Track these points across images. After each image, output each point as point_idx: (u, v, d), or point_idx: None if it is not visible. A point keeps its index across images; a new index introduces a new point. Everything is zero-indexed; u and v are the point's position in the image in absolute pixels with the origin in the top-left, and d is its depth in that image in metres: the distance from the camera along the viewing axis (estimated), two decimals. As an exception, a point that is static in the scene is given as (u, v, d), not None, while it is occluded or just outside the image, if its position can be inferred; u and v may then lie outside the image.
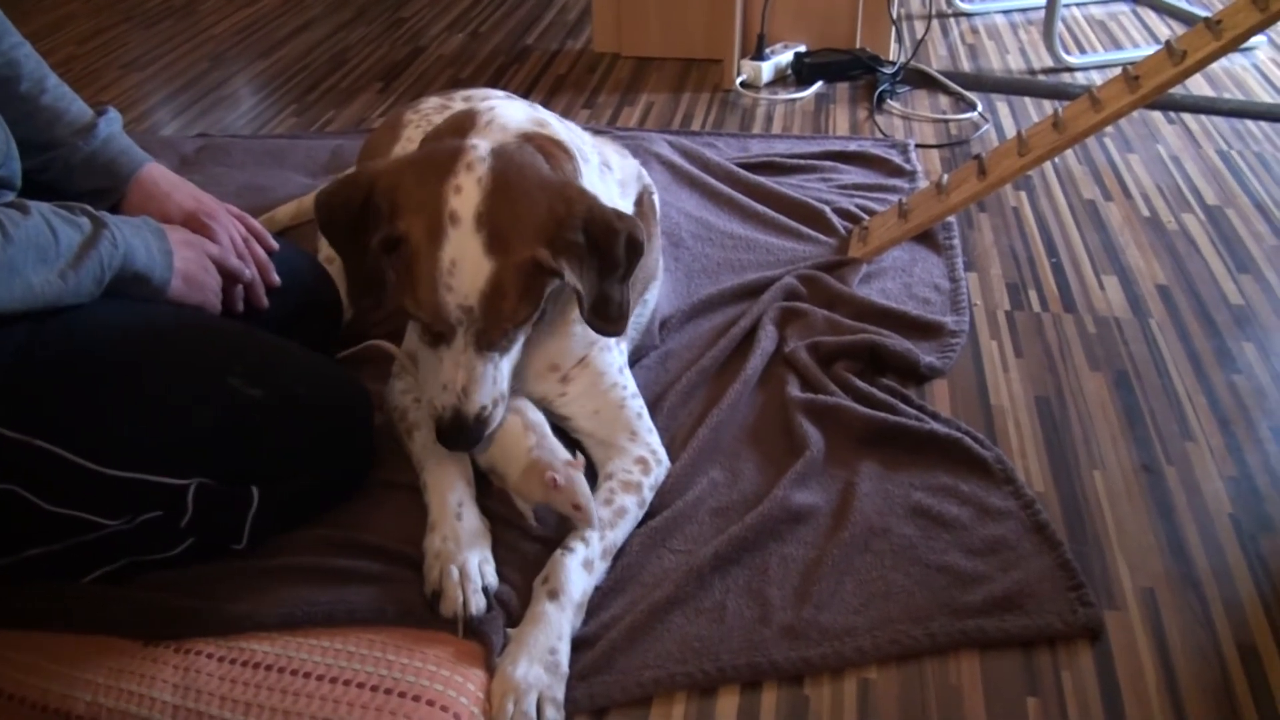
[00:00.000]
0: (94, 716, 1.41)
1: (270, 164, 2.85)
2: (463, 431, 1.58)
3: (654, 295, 2.09)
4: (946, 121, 3.13)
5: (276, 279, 1.81)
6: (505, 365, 1.61)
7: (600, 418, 1.77)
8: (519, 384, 1.72)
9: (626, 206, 1.87)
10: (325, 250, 2.25)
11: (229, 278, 1.72)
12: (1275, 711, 1.42)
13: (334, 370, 1.71)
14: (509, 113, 1.67)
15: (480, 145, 1.54)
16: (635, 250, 1.59)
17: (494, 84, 2.90)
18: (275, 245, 1.86)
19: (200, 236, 1.70)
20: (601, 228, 1.54)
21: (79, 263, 1.45)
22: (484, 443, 1.63)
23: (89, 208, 1.50)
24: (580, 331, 1.74)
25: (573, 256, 1.53)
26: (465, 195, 1.49)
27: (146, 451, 1.47)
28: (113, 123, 1.77)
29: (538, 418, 1.68)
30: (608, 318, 1.61)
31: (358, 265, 1.57)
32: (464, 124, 1.63)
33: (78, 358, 1.47)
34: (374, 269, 1.55)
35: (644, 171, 2.11)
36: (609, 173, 1.88)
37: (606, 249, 1.56)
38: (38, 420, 1.42)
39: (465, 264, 1.49)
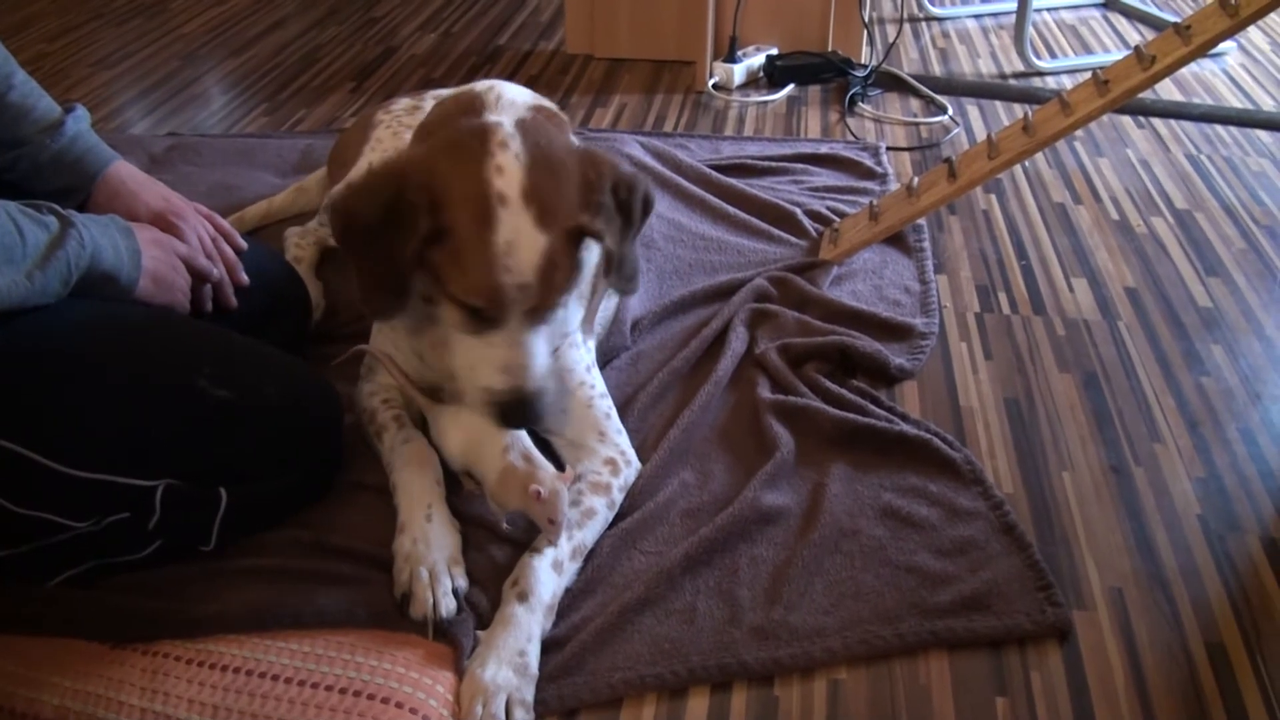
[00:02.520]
0: (61, 719, 1.40)
1: (240, 163, 2.83)
2: (528, 409, 1.55)
3: None
4: (917, 124, 3.14)
5: (245, 279, 1.80)
6: (547, 339, 1.59)
7: (568, 417, 1.76)
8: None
9: None
10: (293, 250, 2.25)
11: (197, 277, 1.71)
12: (1243, 710, 1.43)
13: (303, 371, 1.70)
14: (511, 89, 1.68)
15: (504, 121, 1.53)
16: (648, 206, 1.64)
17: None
18: (244, 245, 1.85)
19: (168, 236, 1.69)
20: (624, 188, 1.57)
21: (46, 263, 1.44)
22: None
23: (56, 207, 1.49)
24: (560, 309, 1.72)
25: (605, 218, 1.54)
26: (508, 174, 1.47)
27: (113, 452, 1.46)
28: (80, 120, 1.76)
29: None
30: (626, 274, 1.64)
31: (382, 270, 1.53)
32: (474, 104, 1.62)
33: (44, 358, 1.45)
34: (402, 271, 1.51)
35: None
36: None
37: (629, 208, 1.59)
38: (3, 421, 1.41)
39: (521, 242, 1.46)
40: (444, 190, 1.47)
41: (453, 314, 1.55)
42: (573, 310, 1.76)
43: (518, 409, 1.55)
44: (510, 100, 1.64)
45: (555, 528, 1.54)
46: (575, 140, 1.78)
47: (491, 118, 1.55)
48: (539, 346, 1.55)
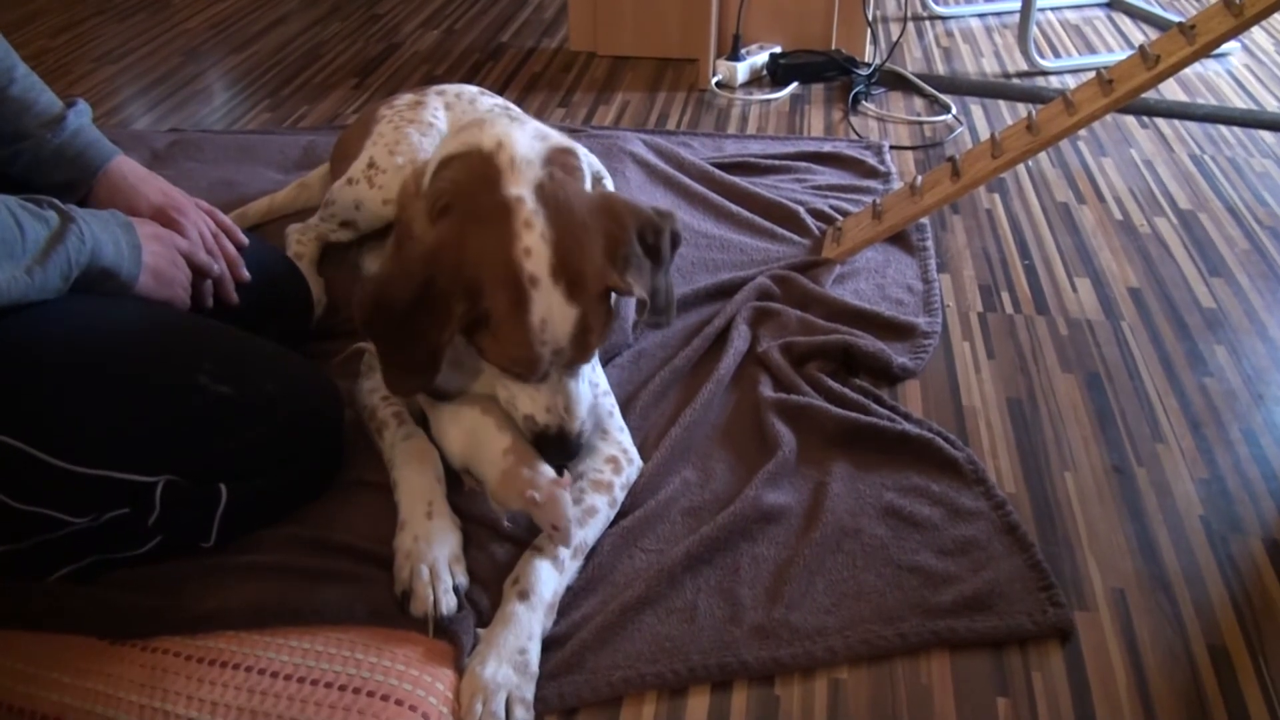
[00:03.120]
0: (59, 715, 1.40)
1: (242, 159, 2.83)
2: (568, 447, 1.64)
3: None
4: (921, 123, 3.14)
5: (246, 275, 1.80)
6: (587, 375, 1.67)
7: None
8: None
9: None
10: (295, 246, 2.24)
11: (198, 273, 1.70)
12: (1245, 712, 1.43)
13: (304, 367, 1.69)
14: (521, 142, 1.62)
15: (525, 196, 1.54)
16: (677, 241, 1.68)
17: (469, 82, 2.88)
18: (245, 241, 1.85)
19: (169, 231, 1.68)
20: (651, 231, 1.61)
21: (46, 259, 1.43)
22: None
23: (56, 201, 1.48)
24: None
25: (633, 268, 1.58)
26: (535, 256, 1.50)
27: (113, 448, 1.46)
28: (82, 115, 1.76)
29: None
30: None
31: (411, 351, 1.56)
32: (488, 172, 1.58)
33: (44, 354, 1.45)
34: (435, 352, 1.55)
35: (593, 157, 2.08)
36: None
37: (656, 250, 1.63)
38: (3, 417, 1.40)
39: (554, 318, 1.52)
40: (476, 278, 1.51)
41: (494, 367, 1.62)
42: None
43: (560, 444, 1.63)
44: (525, 159, 1.59)
45: (560, 533, 1.54)
46: (595, 173, 1.80)
47: (512, 191, 1.54)
48: (581, 391, 1.63)
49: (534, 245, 1.50)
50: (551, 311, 1.51)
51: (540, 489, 1.54)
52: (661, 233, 1.63)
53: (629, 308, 2.11)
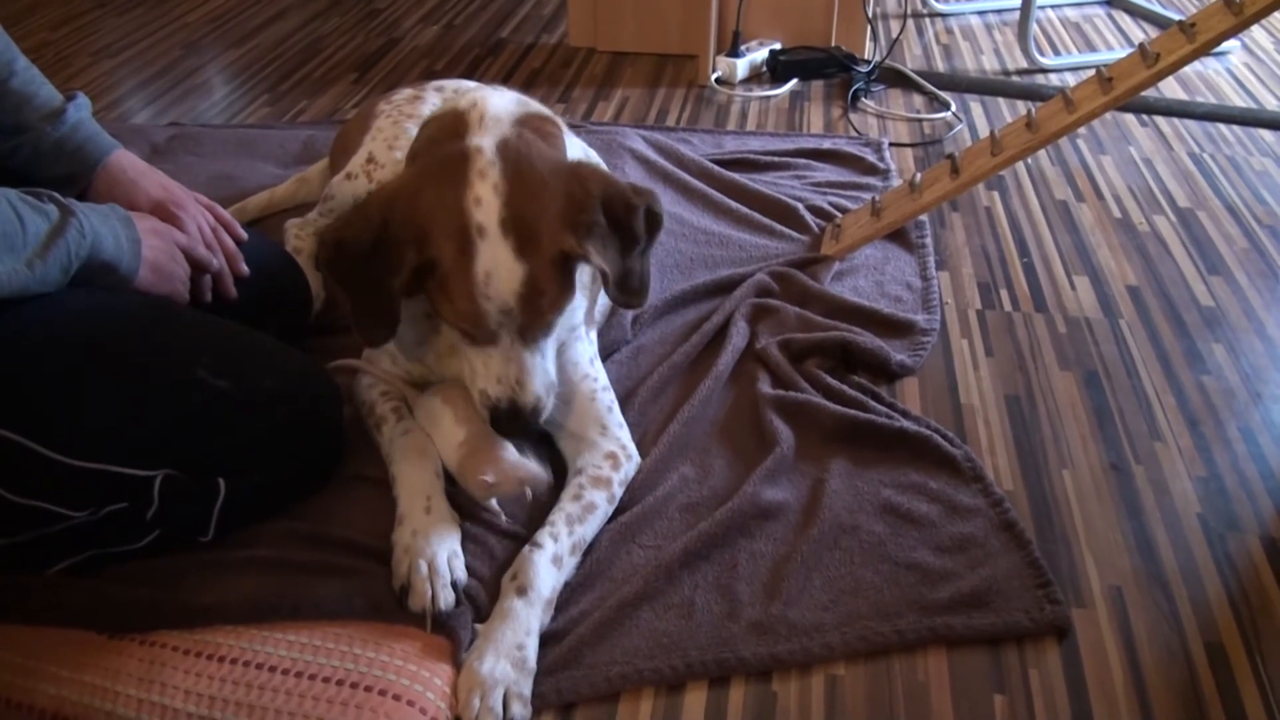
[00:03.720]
0: (57, 710, 1.40)
1: (241, 154, 2.83)
2: (519, 421, 1.60)
3: None
4: (920, 120, 3.14)
5: (245, 269, 1.80)
6: (550, 350, 1.64)
7: (571, 409, 1.76)
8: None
9: None
10: (293, 241, 2.24)
11: (197, 267, 1.70)
12: (1241, 709, 1.43)
13: (302, 362, 1.69)
14: (495, 102, 1.65)
15: (485, 146, 1.53)
16: (655, 222, 1.62)
17: (468, 77, 2.89)
18: (244, 235, 1.85)
19: (168, 226, 1.68)
20: (620, 204, 1.57)
21: (46, 252, 1.43)
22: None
23: (56, 195, 1.49)
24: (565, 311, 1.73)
25: (595, 237, 1.54)
26: (485, 206, 1.49)
27: (112, 442, 1.46)
28: (81, 108, 1.75)
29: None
30: (631, 289, 1.63)
31: (370, 300, 1.57)
32: (457, 126, 1.60)
33: (43, 347, 1.45)
34: (392, 300, 1.55)
35: (593, 152, 2.08)
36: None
37: (627, 225, 1.58)
38: (2, 410, 1.41)
39: (499, 273, 1.50)
40: (426, 225, 1.51)
41: (452, 330, 1.61)
42: (577, 303, 1.75)
43: (512, 418, 1.60)
44: (495, 117, 1.61)
45: (531, 478, 1.58)
46: (578, 145, 1.79)
47: (473, 141, 1.55)
48: (534, 362, 1.59)
49: (485, 195, 1.49)
50: (497, 265, 1.49)
51: (488, 470, 1.55)
52: (634, 209, 1.59)
53: (627, 314, 2.11)
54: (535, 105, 1.72)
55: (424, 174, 1.56)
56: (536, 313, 1.54)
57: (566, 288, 1.58)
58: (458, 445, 1.62)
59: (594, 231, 1.54)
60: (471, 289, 1.50)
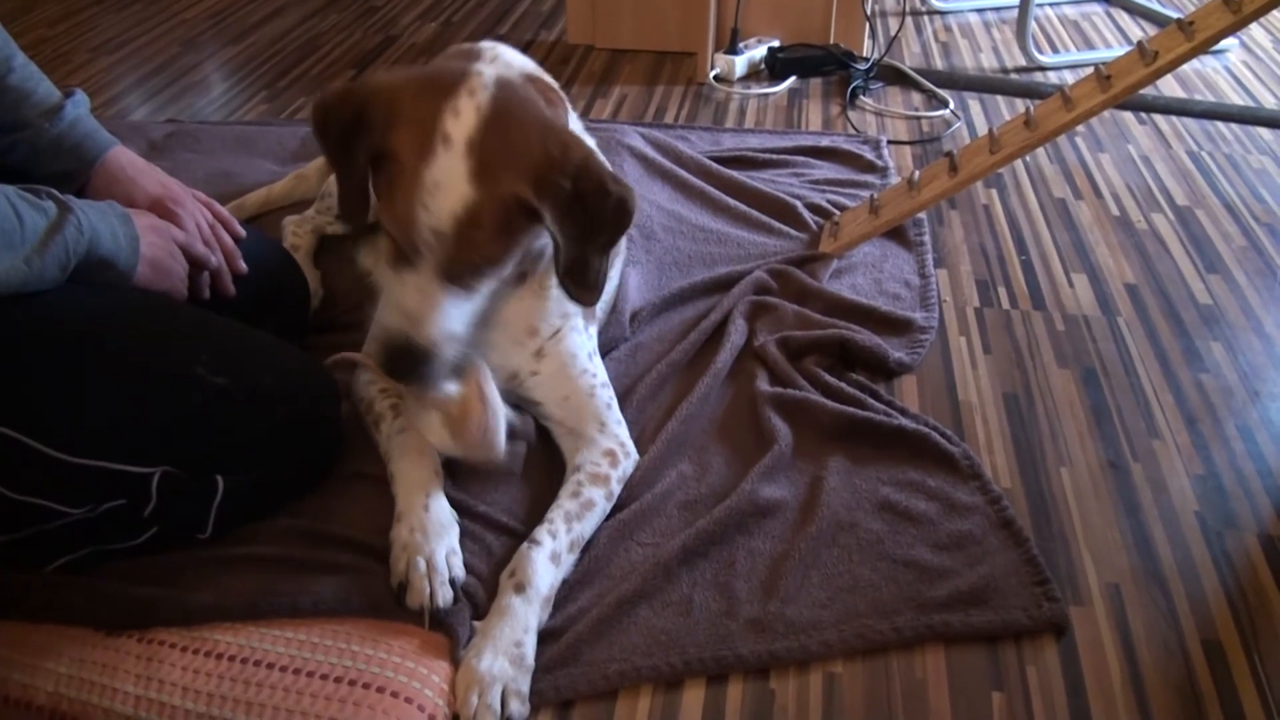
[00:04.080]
0: (55, 706, 1.40)
1: (240, 151, 2.83)
2: (405, 359, 1.52)
3: (616, 273, 2.07)
4: (919, 118, 3.14)
5: (243, 266, 1.79)
6: (467, 310, 1.55)
7: (569, 404, 1.76)
8: (493, 349, 1.71)
9: None
10: (291, 238, 2.24)
11: (195, 264, 1.70)
12: (1239, 706, 1.43)
13: (301, 359, 1.69)
14: (513, 55, 1.65)
15: (487, 74, 1.49)
16: (623, 216, 1.55)
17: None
18: (242, 232, 1.84)
19: (166, 223, 1.68)
20: (593, 184, 1.50)
21: (44, 248, 1.43)
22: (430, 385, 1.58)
23: (54, 191, 1.48)
24: (557, 296, 1.72)
25: (557, 204, 1.48)
26: (462, 119, 1.45)
27: (110, 439, 1.46)
28: (80, 105, 1.75)
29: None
30: (583, 283, 1.56)
31: (347, 177, 1.54)
32: (470, 54, 1.60)
33: (41, 344, 1.45)
34: (360, 180, 1.51)
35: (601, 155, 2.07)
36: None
37: (595, 208, 1.51)
38: (0, 406, 1.41)
39: (446, 187, 1.44)
40: (400, 115, 1.46)
41: (386, 243, 1.55)
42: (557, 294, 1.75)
43: (402, 357, 1.53)
44: (507, 63, 1.60)
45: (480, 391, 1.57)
46: (576, 122, 1.78)
47: (478, 66, 1.52)
48: (445, 304, 1.51)
49: (465, 112, 1.45)
50: (448, 178, 1.43)
51: (451, 402, 1.57)
52: (607, 194, 1.51)
53: (626, 300, 2.11)
54: (550, 78, 1.71)
55: (420, 74, 1.53)
56: (467, 247, 1.48)
57: (505, 241, 1.51)
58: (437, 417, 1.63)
59: (558, 196, 1.48)
60: (415, 192, 1.44)
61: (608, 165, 1.59)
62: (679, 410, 1.87)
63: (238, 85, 3.40)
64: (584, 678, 1.45)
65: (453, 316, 1.53)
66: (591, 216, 1.51)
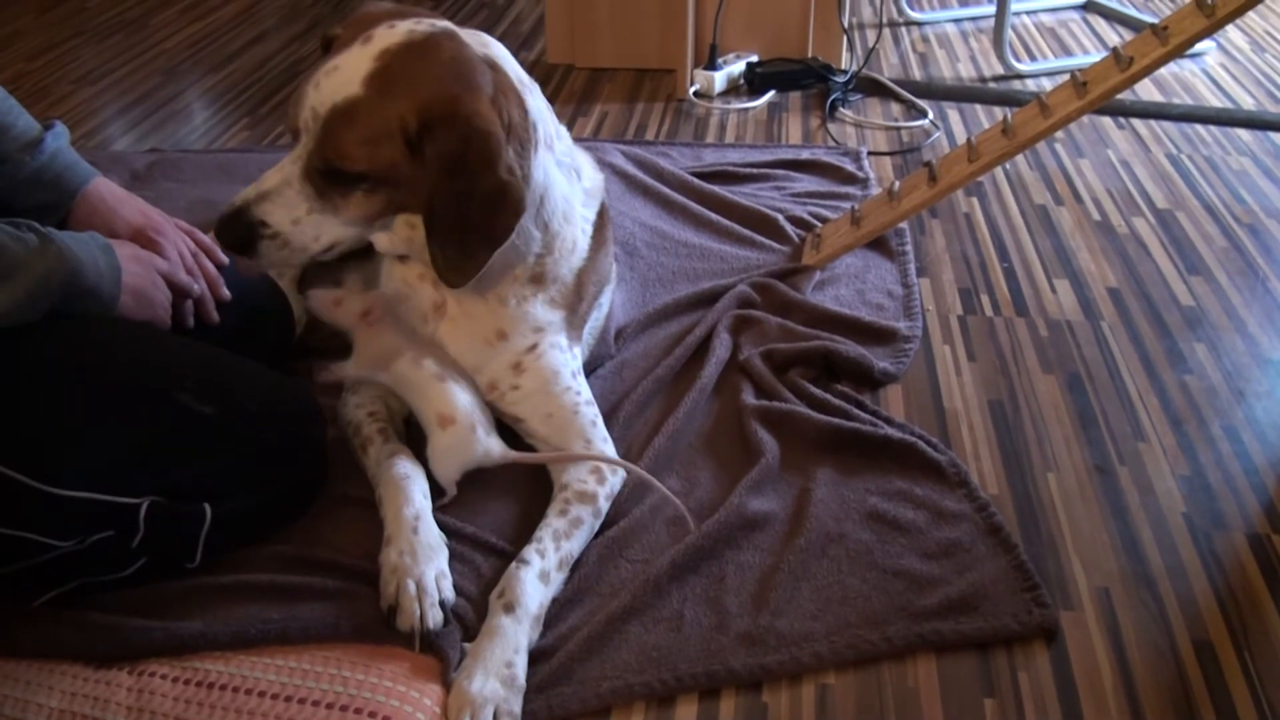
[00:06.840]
0: (46, 740, 1.40)
1: (222, 178, 2.82)
2: (232, 226, 1.59)
3: (607, 300, 2.08)
4: (898, 129, 3.15)
5: (226, 294, 1.79)
6: (322, 222, 1.61)
7: (553, 422, 1.76)
8: (463, 352, 1.74)
9: (588, 215, 1.86)
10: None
11: (178, 293, 1.70)
12: (1231, 706, 1.43)
13: (285, 385, 1.69)
14: (499, 48, 1.66)
15: (436, 21, 1.58)
16: (499, 203, 1.56)
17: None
18: (225, 260, 1.84)
19: (148, 252, 1.68)
20: (482, 158, 1.52)
21: (25, 280, 1.43)
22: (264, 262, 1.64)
23: (35, 224, 1.48)
24: (516, 301, 1.74)
25: (439, 156, 1.51)
26: (392, 34, 1.54)
27: (97, 470, 1.46)
28: (60, 137, 1.75)
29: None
30: (448, 261, 1.59)
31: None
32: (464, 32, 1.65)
33: (24, 377, 1.45)
34: None
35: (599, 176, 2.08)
36: (577, 180, 1.84)
37: (472, 182, 1.53)
38: (-15, 440, 1.40)
39: (341, 73, 1.52)
40: (356, 17, 1.60)
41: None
42: (539, 307, 1.77)
43: (226, 220, 1.59)
44: (483, 40, 1.64)
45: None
46: (574, 149, 1.83)
47: (447, 22, 1.60)
48: (292, 192, 1.59)
49: (399, 30, 1.54)
50: (347, 67, 1.52)
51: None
52: (488, 174, 1.52)
53: (611, 318, 2.11)
54: (528, 82, 1.68)
55: (389, 6, 1.63)
56: (333, 139, 1.52)
57: (372, 155, 1.53)
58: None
59: (442, 149, 1.51)
60: (316, 70, 1.54)
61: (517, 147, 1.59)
62: (665, 426, 1.87)
63: (219, 113, 3.40)
64: (576, 696, 1.45)
65: (303, 209, 1.60)
66: (467, 189, 1.53)
